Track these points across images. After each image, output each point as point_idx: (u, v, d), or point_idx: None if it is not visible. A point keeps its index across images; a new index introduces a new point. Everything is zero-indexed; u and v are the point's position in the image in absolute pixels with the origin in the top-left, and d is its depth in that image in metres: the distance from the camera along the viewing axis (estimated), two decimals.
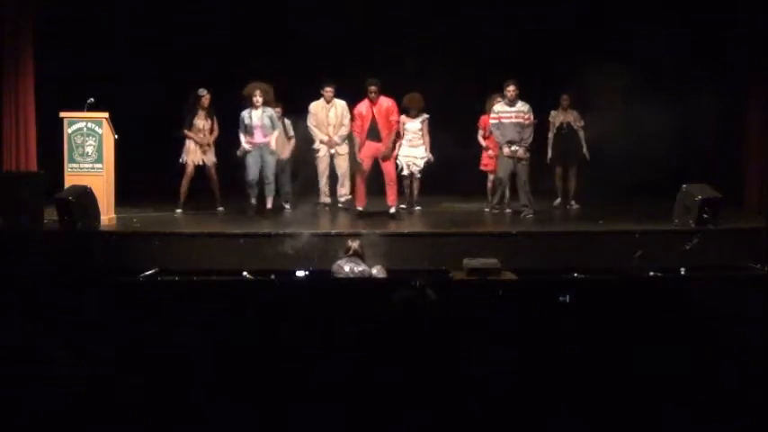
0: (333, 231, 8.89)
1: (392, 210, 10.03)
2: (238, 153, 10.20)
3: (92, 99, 9.38)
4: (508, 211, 10.40)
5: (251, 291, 6.14)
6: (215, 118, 10.56)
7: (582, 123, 11.02)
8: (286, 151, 10.60)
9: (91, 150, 9.37)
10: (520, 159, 10.14)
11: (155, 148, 11.33)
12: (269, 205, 10.27)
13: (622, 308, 4.89)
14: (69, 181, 9.32)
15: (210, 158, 10.53)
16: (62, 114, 9.47)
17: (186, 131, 10.51)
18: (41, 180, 9.56)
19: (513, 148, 10.09)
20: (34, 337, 4.16)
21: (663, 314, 4.77)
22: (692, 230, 8.90)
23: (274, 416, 3.86)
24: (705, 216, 9.02)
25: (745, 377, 4.04)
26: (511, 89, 10.09)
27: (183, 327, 4.39)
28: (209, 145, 10.53)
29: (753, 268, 8.05)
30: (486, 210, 10.54)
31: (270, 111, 10.19)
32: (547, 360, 4.13)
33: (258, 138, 10.14)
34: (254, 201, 10.26)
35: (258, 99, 10.09)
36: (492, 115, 10.21)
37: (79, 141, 9.38)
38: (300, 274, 7.88)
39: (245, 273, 7.84)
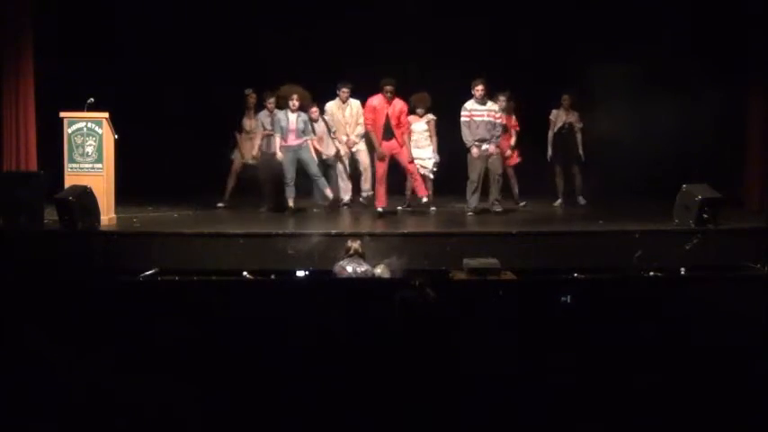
0: (333, 231, 8.87)
1: (424, 199, 10.11)
2: (279, 158, 10.23)
3: (92, 99, 9.38)
4: (498, 209, 10.37)
5: (251, 291, 6.14)
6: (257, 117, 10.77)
7: (581, 125, 11.06)
8: (331, 148, 10.61)
9: (91, 150, 9.37)
10: (490, 155, 10.20)
11: (155, 147, 11.35)
12: (330, 196, 10.31)
13: (622, 308, 4.89)
14: (69, 181, 9.31)
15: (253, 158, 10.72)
16: (62, 114, 9.46)
17: (236, 133, 10.78)
18: (41, 180, 9.55)
19: (483, 147, 10.13)
20: (34, 337, 4.16)
21: (663, 314, 4.77)
22: (692, 230, 8.90)
23: (273, 415, 3.86)
24: (705, 216, 9.01)
25: (746, 377, 4.04)
26: (479, 88, 10.12)
27: (183, 327, 4.39)
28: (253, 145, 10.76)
29: (753, 268, 8.04)
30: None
31: (304, 115, 10.27)
32: (547, 359, 4.14)
33: (291, 140, 10.18)
34: (291, 203, 10.29)
35: (295, 103, 10.15)
36: (463, 113, 10.20)
37: (79, 141, 9.38)
38: (300, 274, 7.89)
39: (245, 273, 7.84)
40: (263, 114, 10.54)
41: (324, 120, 10.56)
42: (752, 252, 8.36)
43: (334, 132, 10.57)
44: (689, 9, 11.30)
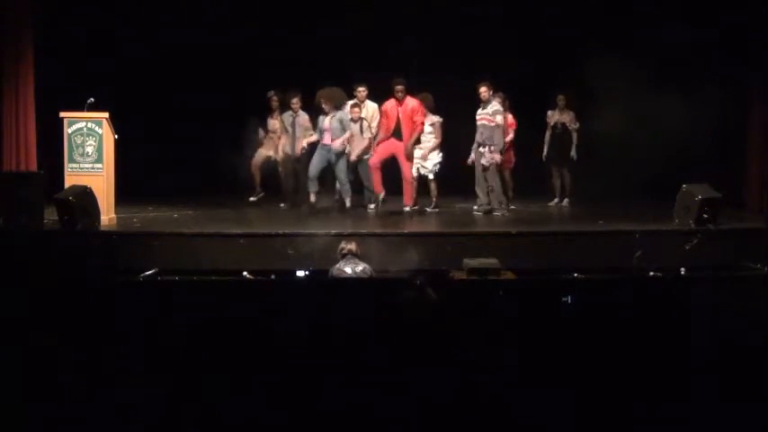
0: (333, 231, 8.86)
1: (406, 209, 10.10)
2: (297, 153, 10.45)
3: (92, 99, 9.38)
4: (497, 214, 10.35)
5: (251, 291, 6.14)
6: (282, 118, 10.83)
7: (577, 126, 11.04)
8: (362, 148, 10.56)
9: (91, 150, 9.37)
10: (490, 161, 10.16)
11: (155, 147, 11.35)
12: (347, 205, 10.46)
13: (622, 308, 4.89)
14: (69, 181, 9.32)
15: (280, 155, 10.82)
16: (62, 114, 9.46)
17: (261, 131, 10.93)
18: (41, 180, 9.56)
19: (481, 149, 10.10)
20: (35, 337, 4.16)
21: (663, 314, 4.77)
22: (692, 230, 8.90)
23: (273, 414, 3.87)
24: (705, 216, 9.01)
25: (746, 377, 4.04)
26: (482, 90, 10.10)
27: (183, 327, 4.39)
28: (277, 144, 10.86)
29: (753, 268, 8.04)
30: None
31: (338, 114, 10.30)
32: (547, 360, 4.14)
33: (326, 140, 10.32)
34: (313, 198, 10.40)
35: (325, 106, 10.26)
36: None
37: (79, 141, 9.38)
38: (300, 274, 7.89)
39: (245, 273, 7.84)
40: (287, 115, 10.67)
41: (361, 123, 10.48)
42: (752, 252, 8.36)
43: (367, 137, 10.51)
44: (689, 9, 11.29)
